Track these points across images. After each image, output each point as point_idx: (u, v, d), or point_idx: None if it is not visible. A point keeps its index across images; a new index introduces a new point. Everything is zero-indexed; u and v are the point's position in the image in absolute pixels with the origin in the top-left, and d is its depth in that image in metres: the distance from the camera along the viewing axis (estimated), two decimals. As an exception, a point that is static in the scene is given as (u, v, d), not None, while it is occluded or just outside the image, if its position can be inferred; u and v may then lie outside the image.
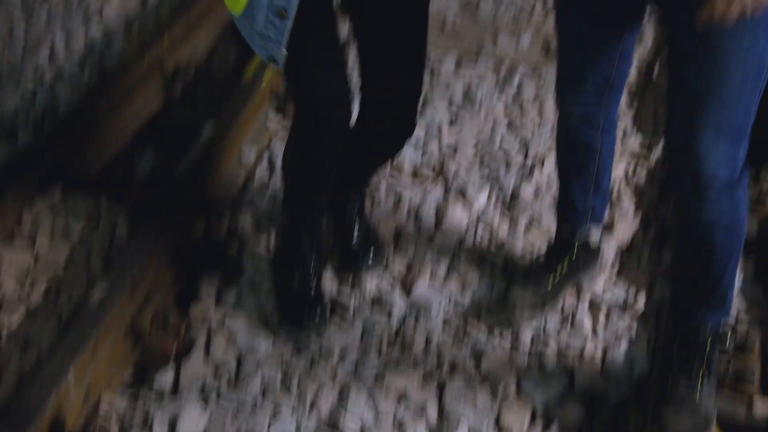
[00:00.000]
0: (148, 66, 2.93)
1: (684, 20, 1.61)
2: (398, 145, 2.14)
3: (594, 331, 2.12)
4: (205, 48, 3.27)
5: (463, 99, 2.97)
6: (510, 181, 2.58)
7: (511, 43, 3.26)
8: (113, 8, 3.35)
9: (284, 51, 1.77)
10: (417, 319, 2.14)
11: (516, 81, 3.06)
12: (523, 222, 2.43)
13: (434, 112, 2.89)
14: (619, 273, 2.28)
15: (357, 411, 1.91)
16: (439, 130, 2.80)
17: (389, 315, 2.15)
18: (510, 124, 2.85)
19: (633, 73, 3.03)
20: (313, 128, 1.96)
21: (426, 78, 3.03)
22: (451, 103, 2.95)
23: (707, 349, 1.89)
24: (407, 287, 2.24)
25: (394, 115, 2.04)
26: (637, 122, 2.85)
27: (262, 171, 2.63)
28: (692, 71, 1.63)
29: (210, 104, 2.95)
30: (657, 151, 2.69)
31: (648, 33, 3.19)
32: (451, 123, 2.86)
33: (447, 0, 3.49)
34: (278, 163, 2.60)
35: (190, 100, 3.02)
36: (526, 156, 2.69)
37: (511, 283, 2.19)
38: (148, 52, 2.97)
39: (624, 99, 2.91)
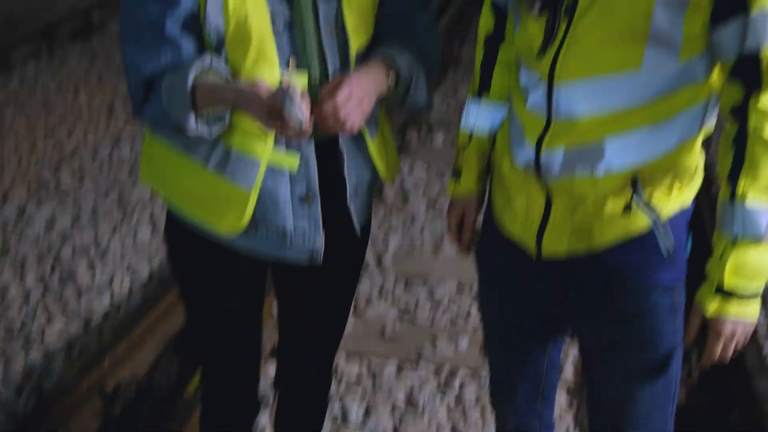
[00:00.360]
0: (88, 387, 2.91)
1: (592, 345, 1.74)
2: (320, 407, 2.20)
3: None
4: (147, 365, 3.27)
5: (405, 404, 2.98)
6: (457, 490, 2.53)
7: (450, 346, 3.34)
8: (54, 332, 3.38)
9: (323, 234, 1.75)
10: None
11: (457, 384, 3.09)
12: None
13: (378, 419, 2.88)
14: None
15: None
16: (384, 438, 2.78)
17: None
18: (453, 429, 2.84)
19: (570, 371, 3.11)
20: (219, 402, 1.99)
21: (368, 384, 3.08)
22: (394, 409, 2.96)
23: None
24: None
25: (310, 375, 2.12)
26: (579, 421, 2.87)
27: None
28: (606, 392, 1.73)
29: (150, 422, 2.91)
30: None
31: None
32: (395, 430, 2.84)
33: (386, 307, 3.61)
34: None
35: (130, 420, 2.97)
36: (472, 462, 2.67)
37: None
38: (88, 373, 2.96)
39: (564, 398, 2.96)
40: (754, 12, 1.48)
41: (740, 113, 1.54)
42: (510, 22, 1.80)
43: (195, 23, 1.68)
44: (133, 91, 1.72)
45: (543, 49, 1.61)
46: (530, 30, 1.64)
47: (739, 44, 1.51)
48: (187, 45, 1.68)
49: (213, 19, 1.66)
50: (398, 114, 5.55)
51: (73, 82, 6.08)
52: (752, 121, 1.52)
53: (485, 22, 1.86)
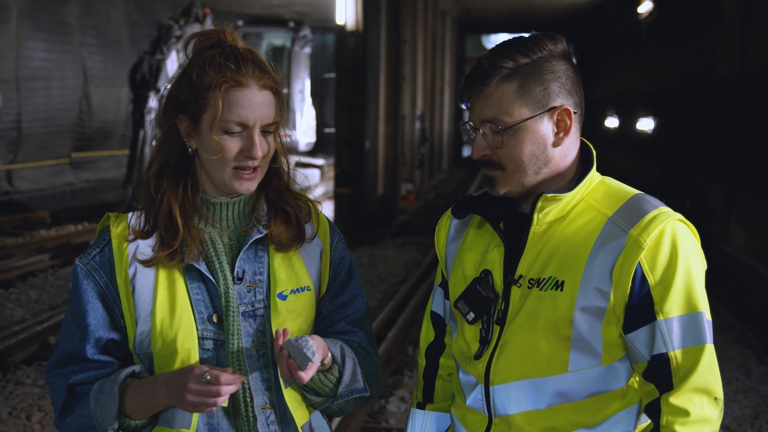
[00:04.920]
0: None
1: None
2: None
3: None
4: None
5: None
6: None
7: None
8: None
9: None
10: None
11: None
12: None
13: None
14: None
15: None
16: None
17: None
18: None
19: None
20: None
21: None
22: None
23: None
24: None
25: None
26: None
27: None
28: None
29: None
30: None
31: None
32: None
33: None
34: None
35: None
36: None
37: None
38: None
39: None
40: (660, 319, 1.64)
41: (654, 411, 1.66)
42: (449, 333, 1.95)
43: (117, 347, 1.86)
44: (54, 399, 1.85)
45: (478, 354, 1.75)
46: (467, 336, 1.79)
47: (649, 350, 1.65)
48: (110, 362, 1.85)
49: (140, 340, 1.82)
50: (356, 421, 5.55)
51: (27, 405, 6.02)
52: (664, 417, 1.62)
53: (426, 333, 2.00)
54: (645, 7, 20.59)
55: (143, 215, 1.87)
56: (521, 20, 32.00)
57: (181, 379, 1.70)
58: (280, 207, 1.91)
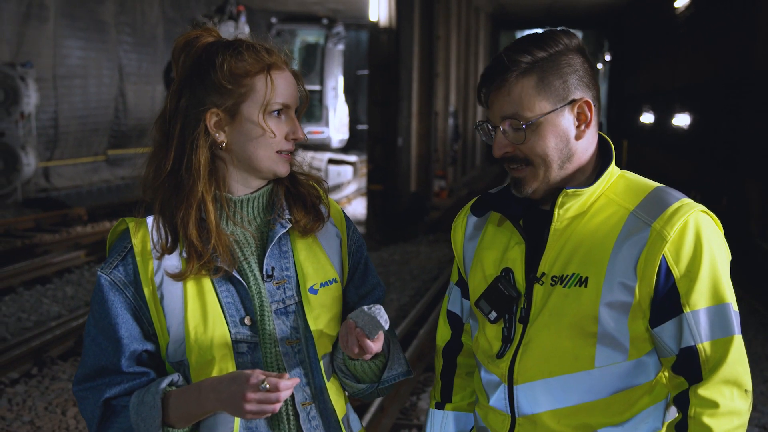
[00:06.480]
0: None
1: None
2: None
3: None
4: None
5: None
6: None
7: None
8: None
9: None
10: None
11: None
12: None
13: None
14: None
15: None
16: None
17: None
18: None
19: None
20: None
21: None
22: None
23: None
24: None
25: None
26: None
27: None
28: None
29: None
30: None
31: None
32: None
33: None
34: None
35: None
36: None
37: None
38: None
39: None
40: (686, 312, 1.62)
41: (682, 402, 1.64)
42: (467, 332, 1.93)
43: (151, 357, 1.82)
44: (89, 414, 1.79)
45: (501, 353, 1.73)
46: (488, 335, 1.78)
47: (677, 343, 1.63)
48: (146, 373, 1.80)
49: (174, 348, 1.79)
50: (387, 418, 5.54)
51: (62, 400, 6.09)
52: (692, 408, 1.61)
53: (442, 333, 1.99)
54: (681, 1, 20.34)
55: (166, 224, 1.82)
56: (555, 16, 31.81)
57: (236, 388, 1.65)
58: (296, 192, 1.90)
